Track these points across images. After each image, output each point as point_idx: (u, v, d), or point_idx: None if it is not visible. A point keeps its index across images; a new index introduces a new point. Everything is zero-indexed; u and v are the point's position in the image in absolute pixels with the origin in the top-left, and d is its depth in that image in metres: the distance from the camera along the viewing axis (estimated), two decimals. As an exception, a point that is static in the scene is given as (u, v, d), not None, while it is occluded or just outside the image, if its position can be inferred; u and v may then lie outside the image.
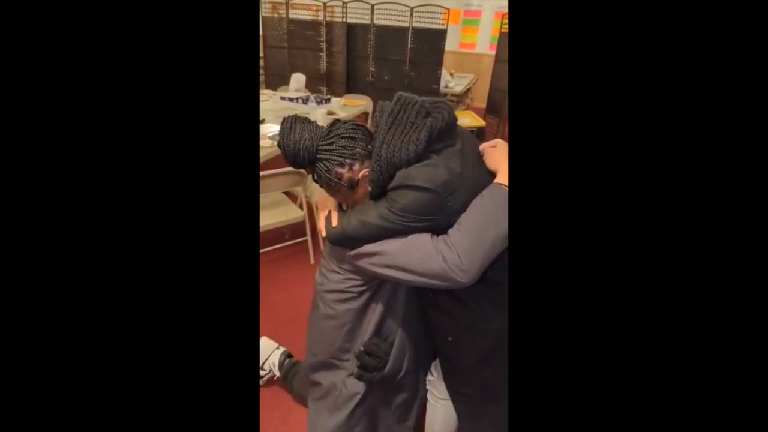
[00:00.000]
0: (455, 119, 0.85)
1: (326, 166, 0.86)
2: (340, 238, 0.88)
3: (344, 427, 1.06)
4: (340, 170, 0.86)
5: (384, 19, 4.15)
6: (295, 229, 2.29)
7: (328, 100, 3.08)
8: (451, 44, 5.18)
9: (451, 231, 0.80)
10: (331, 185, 0.88)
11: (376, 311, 0.99)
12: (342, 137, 0.86)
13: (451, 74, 4.87)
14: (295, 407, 1.46)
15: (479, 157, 0.89)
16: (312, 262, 2.28)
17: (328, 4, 4.26)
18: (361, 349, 1.00)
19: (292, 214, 2.14)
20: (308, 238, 2.24)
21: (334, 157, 0.85)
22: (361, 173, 0.87)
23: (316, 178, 0.90)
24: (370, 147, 0.86)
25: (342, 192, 0.90)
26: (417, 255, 0.80)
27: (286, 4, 4.39)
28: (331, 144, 0.86)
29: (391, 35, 4.15)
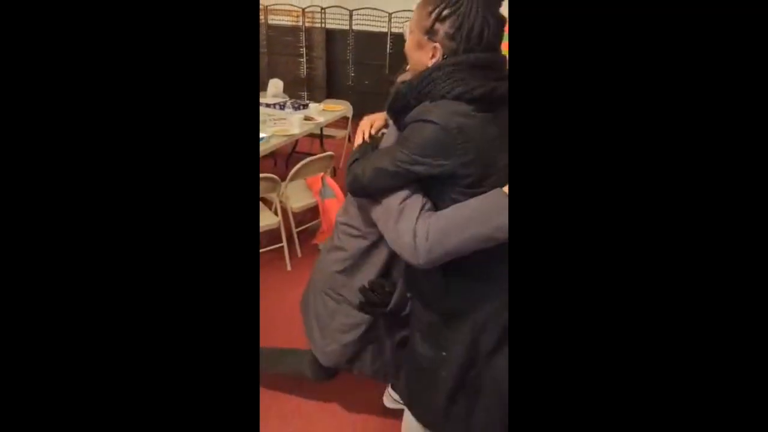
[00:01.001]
0: (506, 98, 0.80)
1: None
2: (355, 186, 0.88)
3: (352, 347, 1.09)
4: (438, 24, 0.77)
5: (363, 24, 4.17)
6: (270, 236, 2.26)
7: (305, 106, 3.07)
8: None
9: (437, 213, 0.80)
10: (422, 23, 0.79)
11: (381, 255, 1.01)
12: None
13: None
14: (295, 410, 1.44)
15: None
16: (289, 268, 2.25)
17: (306, 9, 4.26)
18: (365, 285, 1.03)
19: (267, 220, 2.11)
20: (284, 244, 2.21)
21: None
22: (438, 47, 0.79)
23: None
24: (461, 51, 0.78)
25: (417, 38, 0.81)
26: (393, 222, 0.81)
27: (265, 9, 4.38)
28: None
29: (370, 40, 4.16)
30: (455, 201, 0.81)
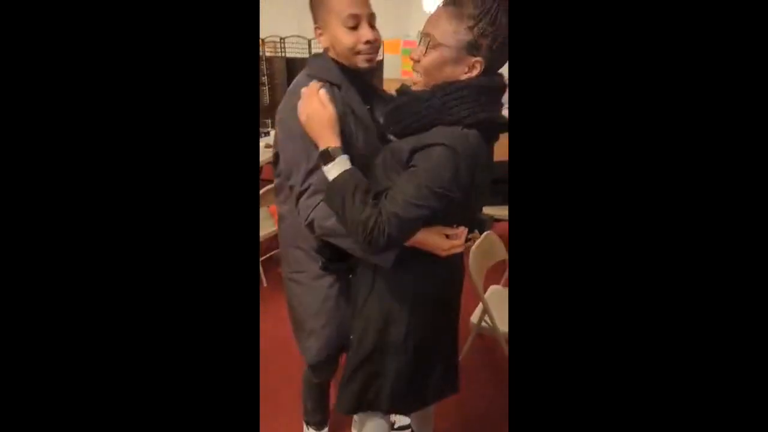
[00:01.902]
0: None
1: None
2: (400, 229, 0.73)
3: (327, 336, 1.04)
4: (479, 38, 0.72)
5: None
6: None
7: (267, 134, 3.02)
8: (393, 72, 5.34)
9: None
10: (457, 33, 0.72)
11: None
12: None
13: (394, 102, 5.00)
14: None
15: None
16: (265, 284, 2.15)
17: (266, 39, 4.28)
18: (320, 242, 0.96)
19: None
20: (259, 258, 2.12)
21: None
22: (482, 61, 0.73)
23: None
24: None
25: (452, 52, 0.73)
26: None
27: (223, 41, 4.37)
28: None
29: None
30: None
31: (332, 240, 0.85)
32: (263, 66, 4.35)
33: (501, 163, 0.76)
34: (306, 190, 0.83)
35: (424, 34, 0.74)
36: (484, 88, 0.74)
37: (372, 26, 0.82)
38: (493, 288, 1.70)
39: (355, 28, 0.79)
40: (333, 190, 0.76)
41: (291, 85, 0.88)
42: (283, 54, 4.31)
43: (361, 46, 0.80)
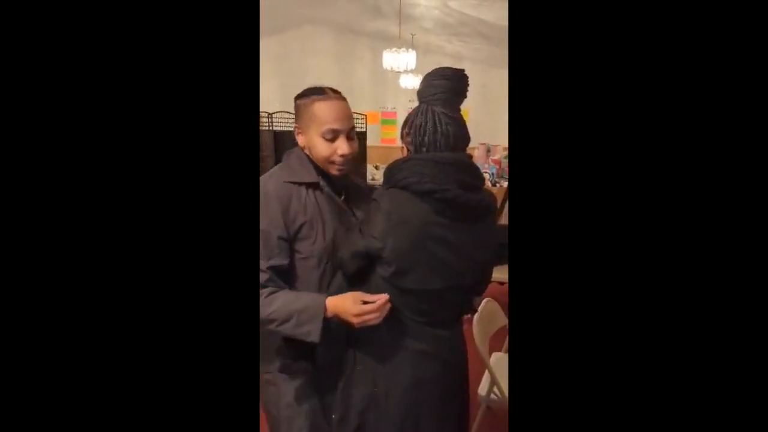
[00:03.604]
0: (475, 210, 0.87)
1: None
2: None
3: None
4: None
5: None
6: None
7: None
8: (374, 140, 5.62)
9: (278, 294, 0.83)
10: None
11: None
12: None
13: (376, 167, 5.19)
14: None
15: None
16: None
17: (253, 114, 4.47)
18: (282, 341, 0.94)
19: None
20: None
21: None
22: (404, 147, 0.89)
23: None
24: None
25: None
26: None
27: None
28: None
29: None
30: (376, 287, 0.81)
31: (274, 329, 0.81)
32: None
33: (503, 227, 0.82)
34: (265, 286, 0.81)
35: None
36: (420, 161, 0.81)
37: (350, 139, 0.86)
38: (496, 355, 1.68)
39: (333, 141, 0.84)
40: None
41: (268, 186, 0.86)
42: (271, 128, 4.50)
43: (336, 158, 0.84)
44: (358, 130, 4.56)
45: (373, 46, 5.73)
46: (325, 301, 0.80)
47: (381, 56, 4.14)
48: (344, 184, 0.95)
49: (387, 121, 6.32)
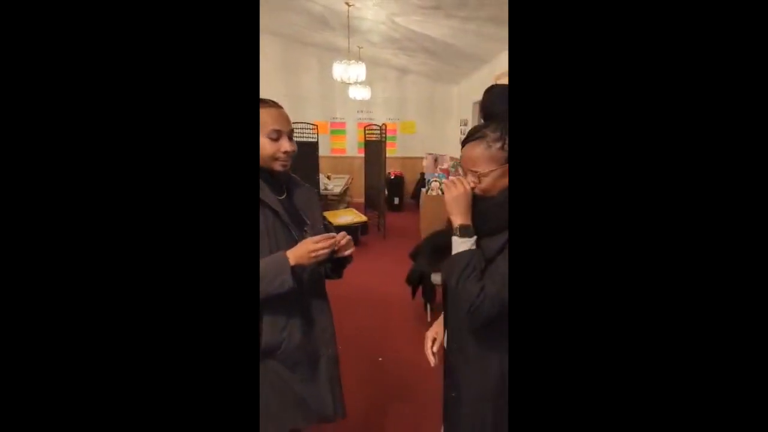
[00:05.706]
0: None
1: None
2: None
3: None
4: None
5: (295, 137, 4.27)
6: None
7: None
8: (324, 150, 5.63)
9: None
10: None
11: None
12: None
13: (328, 177, 5.19)
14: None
15: None
16: None
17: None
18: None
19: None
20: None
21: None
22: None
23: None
24: None
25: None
26: None
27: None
28: None
29: (302, 149, 4.24)
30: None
31: None
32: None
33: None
34: None
35: (471, 171, 0.87)
36: None
37: (290, 139, 0.99)
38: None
39: (277, 140, 0.96)
40: (454, 260, 0.86)
41: None
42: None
43: (280, 155, 0.97)
44: (309, 139, 4.50)
45: (321, 56, 5.79)
46: (284, 253, 0.93)
47: (329, 67, 4.17)
48: (286, 181, 1.07)
49: (336, 131, 6.37)
